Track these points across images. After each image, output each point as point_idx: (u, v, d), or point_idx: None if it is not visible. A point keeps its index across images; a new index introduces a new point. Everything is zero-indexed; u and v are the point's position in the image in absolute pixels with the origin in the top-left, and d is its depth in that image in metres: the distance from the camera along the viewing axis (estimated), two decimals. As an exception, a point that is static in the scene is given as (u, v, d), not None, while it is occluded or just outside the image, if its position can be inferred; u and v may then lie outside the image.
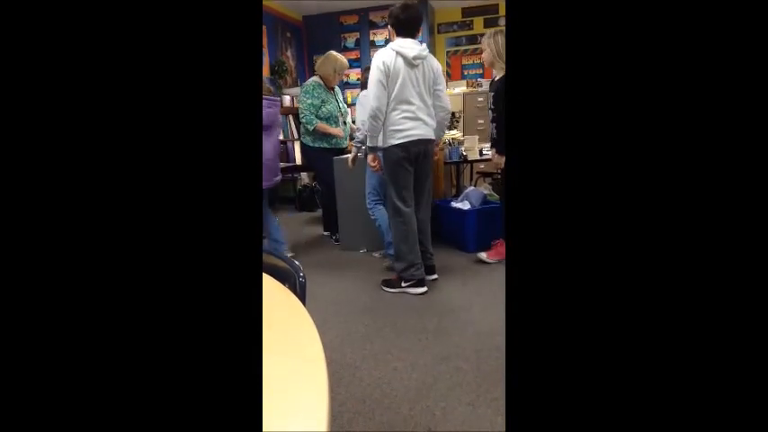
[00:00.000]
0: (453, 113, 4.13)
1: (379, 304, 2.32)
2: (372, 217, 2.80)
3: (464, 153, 3.35)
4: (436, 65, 2.39)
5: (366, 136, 2.43)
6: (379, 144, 2.37)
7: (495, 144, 2.59)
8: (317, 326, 0.69)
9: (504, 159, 2.50)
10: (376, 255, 2.98)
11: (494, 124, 2.58)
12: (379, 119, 2.28)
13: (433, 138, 2.41)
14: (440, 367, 1.71)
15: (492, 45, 2.47)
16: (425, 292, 2.41)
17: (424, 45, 2.36)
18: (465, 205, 3.05)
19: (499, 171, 2.58)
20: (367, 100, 2.39)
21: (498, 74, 2.54)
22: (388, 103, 2.28)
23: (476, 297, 2.35)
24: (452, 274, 2.68)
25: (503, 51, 2.41)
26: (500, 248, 2.86)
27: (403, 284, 2.44)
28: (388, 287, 2.50)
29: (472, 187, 3.42)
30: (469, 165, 3.87)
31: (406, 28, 2.28)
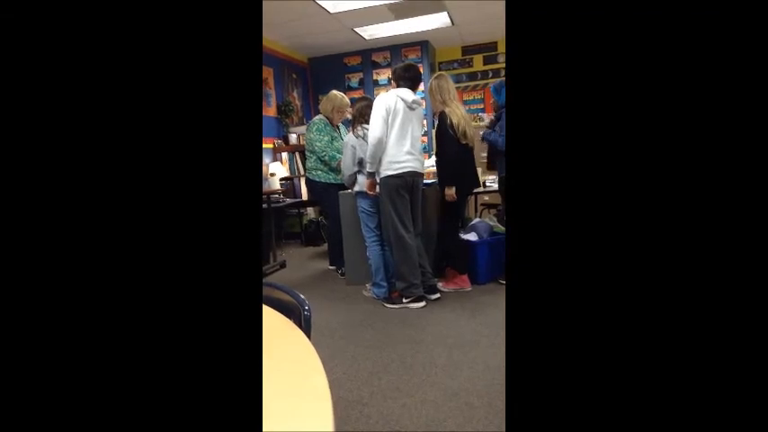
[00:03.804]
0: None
1: (386, 338, 2.27)
2: (367, 254, 2.90)
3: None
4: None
5: (369, 164, 2.64)
6: (379, 174, 2.62)
7: (441, 180, 2.79)
8: (322, 361, 0.67)
9: (453, 189, 2.70)
10: (365, 292, 2.97)
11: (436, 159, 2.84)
12: (379, 147, 2.56)
13: (423, 171, 2.73)
14: (450, 403, 1.65)
15: (430, 91, 2.76)
16: (425, 306, 2.64)
17: (419, 96, 2.71)
18: (473, 237, 3.04)
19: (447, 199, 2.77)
20: (347, 149, 2.79)
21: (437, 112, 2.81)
22: (387, 135, 2.55)
23: (485, 330, 2.30)
24: (461, 307, 2.64)
25: (437, 94, 2.72)
26: (457, 278, 2.88)
27: (404, 300, 2.66)
28: (389, 303, 2.70)
29: (478, 218, 3.41)
30: (474, 196, 3.88)
31: (406, 83, 2.64)
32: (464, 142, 2.68)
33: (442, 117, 2.69)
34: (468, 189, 2.86)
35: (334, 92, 3.39)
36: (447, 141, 2.68)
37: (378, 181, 2.67)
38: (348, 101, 3.41)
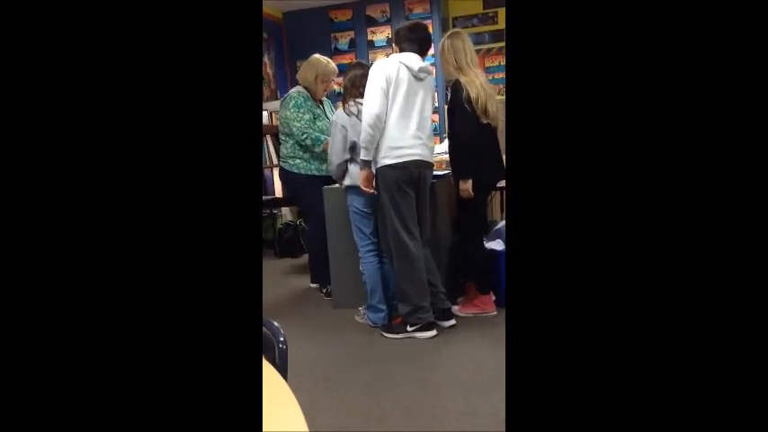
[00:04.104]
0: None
1: (385, 379, 2.28)
2: (361, 268, 2.89)
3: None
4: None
5: (364, 150, 2.61)
6: (377, 163, 2.61)
7: (455, 171, 2.82)
8: (303, 409, 0.68)
9: (470, 182, 2.71)
10: (358, 317, 2.97)
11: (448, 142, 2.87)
12: (377, 128, 2.54)
13: (432, 160, 2.73)
14: (468, 464, 1.66)
15: (442, 53, 2.77)
16: (436, 336, 2.64)
17: (428, 63, 2.69)
18: (498, 245, 3.05)
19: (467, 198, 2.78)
20: (336, 129, 2.78)
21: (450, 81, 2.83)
22: (387, 113, 2.55)
23: (513, 367, 2.31)
24: (481, 337, 2.65)
25: (450, 57, 2.72)
26: (478, 299, 2.89)
27: (409, 329, 2.67)
28: (390, 333, 2.72)
29: (504, 222, 3.43)
30: (499, 192, 3.89)
31: (412, 47, 2.66)
32: (485, 121, 2.70)
33: (456, 88, 2.71)
34: (488, 183, 2.87)
35: (317, 56, 3.41)
36: (462, 120, 2.70)
37: (375, 172, 2.67)
38: (335, 67, 3.42)
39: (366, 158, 2.62)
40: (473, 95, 2.64)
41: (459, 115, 2.71)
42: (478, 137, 2.71)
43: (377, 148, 2.60)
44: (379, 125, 2.55)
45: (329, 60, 3.41)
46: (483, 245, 2.95)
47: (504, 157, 2.95)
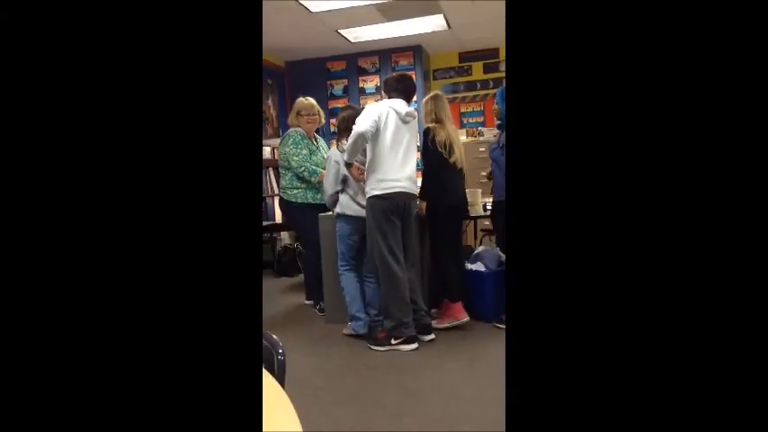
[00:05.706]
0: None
1: (370, 390, 2.24)
2: (341, 284, 2.92)
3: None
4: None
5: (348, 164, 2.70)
6: (366, 194, 2.69)
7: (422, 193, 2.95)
8: (298, 413, 0.66)
9: (425, 204, 2.88)
10: (345, 330, 2.94)
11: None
12: (363, 141, 2.59)
13: (416, 193, 2.77)
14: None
15: (425, 106, 2.95)
16: (417, 348, 2.64)
17: (414, 109, 2.81)
18: (479, 267, 3.06)
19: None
20: (330, 165, 2.86)
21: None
22: (377, 148, 2.62)
23: (486, 373, 2.28)
24: (459, 349, 2.63)
25: (431, 113, 2.90)
26: (450, 309, 2.92)
27: (393, 342, 2.64)
28: (376, 345, 2.69)
29: (483, 247, 3.43)
30: (472, 222, 3.91)
31: (399, 95, 2.74)
32: (451, 161, 2.82)
33: (426, 133, 2.87)
34: (448, 207, 2.92)
35: (299, 98, 3.45)
36: (428, 156, 2.86)
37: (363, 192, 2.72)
38: (312, 102, 3.42)
39: (349, 161, 2.70)
40: (438, 140, 2.80)
41: (426, 153, 2.88)
42: (442, 171, 2.85)
43: (367, 181, 2.66)
44: (363, 141, 2.59)
45: (307, 98, 3.45)
46: (448, 260, 2.96)
47: (465, 192, 3.08)
